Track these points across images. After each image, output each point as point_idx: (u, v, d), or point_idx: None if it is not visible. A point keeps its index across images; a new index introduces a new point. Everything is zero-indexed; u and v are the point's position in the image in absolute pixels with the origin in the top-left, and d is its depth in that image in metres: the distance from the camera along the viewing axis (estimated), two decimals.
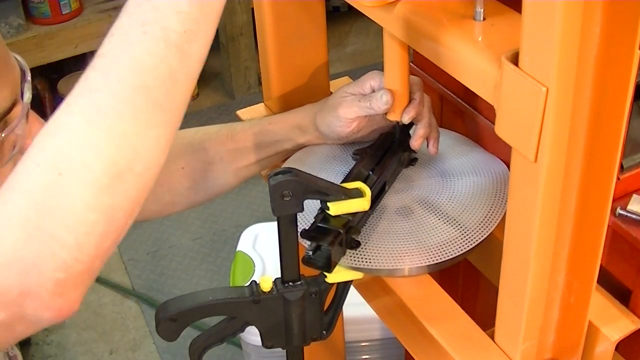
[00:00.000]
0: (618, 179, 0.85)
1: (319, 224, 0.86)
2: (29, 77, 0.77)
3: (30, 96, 0.77)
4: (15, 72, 0.75)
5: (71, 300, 0.65)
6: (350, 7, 0.83)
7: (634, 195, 0.88)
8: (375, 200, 0.93)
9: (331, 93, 1.08)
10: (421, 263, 0.88)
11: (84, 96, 0.63)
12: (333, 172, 1.00)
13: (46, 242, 0.61)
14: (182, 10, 0.63)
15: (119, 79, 0.62)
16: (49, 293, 0.63)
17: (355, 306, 1.08)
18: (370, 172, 0.95)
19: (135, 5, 0.64)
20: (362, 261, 0.88)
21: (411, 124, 0.98)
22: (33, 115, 0.78)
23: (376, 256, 0.88)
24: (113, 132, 0.62)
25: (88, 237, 0.62)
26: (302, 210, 0.82)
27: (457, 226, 0.91)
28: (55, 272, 0.62)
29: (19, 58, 0.77)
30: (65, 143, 0.62)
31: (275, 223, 0.84)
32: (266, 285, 0.88)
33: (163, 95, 0.64)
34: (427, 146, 0.99)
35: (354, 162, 0.99)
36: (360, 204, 0.87)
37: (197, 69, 0.66)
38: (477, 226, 0.90)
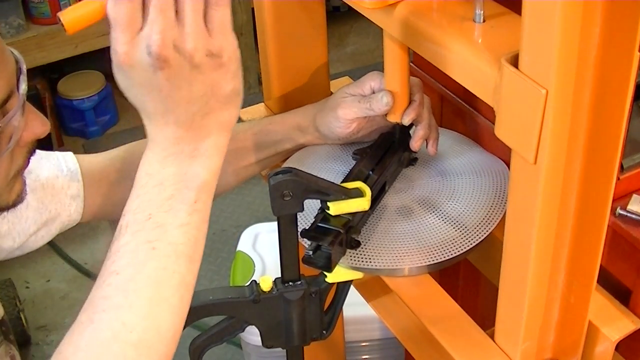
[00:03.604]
0: (618, 179, 0.85)
1: (319, 224, 0.86)
2: (24, 69, 0.77)
3: (26, 88, 0.76)
4: (10, 64, 0.75)
5: None
6: (351, 7, 0.83)
7: (634, 195, 0.88)
8: (376, 200, 0.94)
9: (331, 93, 1.09)
10: (421, 263, 0.88)
11: (108, 313, 0.68)
12: (333, 172, 1.00)
13: None
14: (183, 222, 0.69)
15: (138, 295, 0.68)
16: None
17: (355, 306, 1.08)
18: (371, 172, 0.95)
19: (136, 223, 0.68)
20: (362, 261, 0.88)
21: (411, 124, 0.98)
22: (29, 107, 0.78)
23: (376, 256, 0.88)
24: (141, 343, 0.67)
25: None
26: (302, 210, 0.82)
27: (457, 226, 0.91)
28: None
29: (13, 51, 0.77)
30: (100, 357, 0.67)
31: (275, 223, 0.84)
32: (266, 285, 0.88)
33: (178, 300, 0.70)
34: (427, 146, 1.00)
35: (354, 162, 0.99)
36: (361, 204, 0.87)
37: (199, 263, 0.73)
38: (477, 226, 0.90)
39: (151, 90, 0.66)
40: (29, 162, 0.81)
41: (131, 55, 0.65)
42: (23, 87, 0.76)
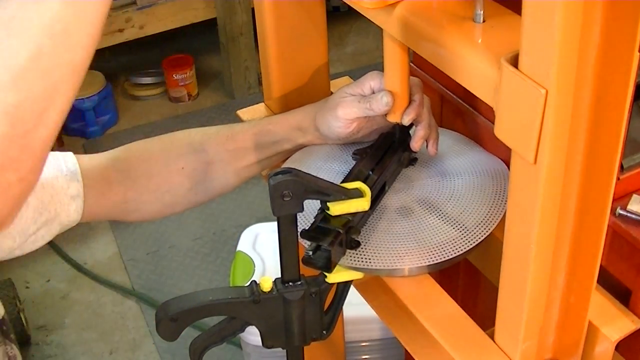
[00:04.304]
0: (618, 179, 0.85)
1: (319, 224, 0.86)
2: None
3: None
4: None
5: None
6: (351, 7, 0.83)
7: (634, 195, 0.88)
8: (375, 200, 0.94)
9: (331, 93, 1.09)
10: (421, 263, 0.88)
11: None
12: (333, 172, 1.00)
13: None
14: None
15: None
16: None
17: (355, 306, 1.08)
18: (370, 172, 0.95)
19: None
20: (362, 261, 0.88)
21: (411, 124, 0.98)
22: None
23: (376, 256, 0.88)
24: (12, 22, 0.57)
25: None
26: (302, 210, 0.82)
27: (457, 226, 0.91)
28: None
29: None
30: None
31: (275, 223, 0.84)
32: (266, 285, 0.88)
33: None
34: (427, 146, 1.00)
35: (354, 162, 0.99)
36: (360, 204, 0.87)
37: None
38: (477, 226, 0.90)
39: None
40: None
41: None
42: None
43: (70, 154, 1.02)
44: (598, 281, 0.78)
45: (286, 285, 0.88)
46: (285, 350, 0.95)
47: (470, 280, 1.22)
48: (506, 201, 0.83)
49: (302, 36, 1.09)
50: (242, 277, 1.77)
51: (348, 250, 0.88)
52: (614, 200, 0.77)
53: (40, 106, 0.60)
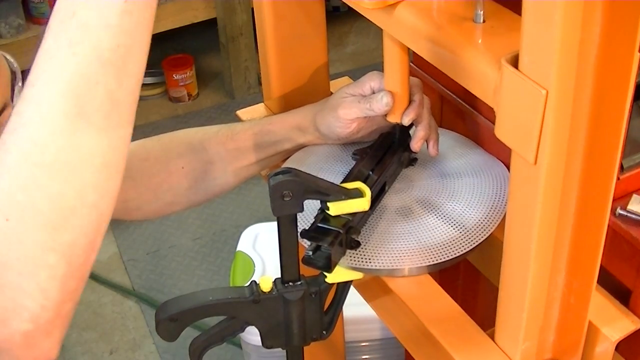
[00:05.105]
0: (618, 179, 0.85)
1: (318, 224, 0.86)
2: (19, 77, 0.76)
3: None
4: (5, 75, 0.74)
5: (46, 349, 0.61)
6: (351, 7, 0.83)
7: (634, 195, 0.88)
8: (375, 200, 0.94)
9: (331, 93, 1.09)
10: (421, 263, 0.88)
11: (17, 132, 0.58)
12: (333, 172, 1.00)
13: (7, 294, 0.57)
14: (111, 23, 0.59)
15: (51, 107, 0.58)
16: (20, 346, 0.59)
17: (355, 306, 1.08)
18: (370, 172, 0.95)
19: (59, 23, 0.59)
20: (362, 261, 0.88)
21: (411, 124, 0.98)
22: None
23: (376, 256, 0.88)
24: (55, 166, 0.58)
25: (50, 282, 0.58)
26: (302, 210, 0.82)
27: (457, 226, 0.91)
28: (23, 323, 0.58)
29: (9, 59, 0.76)
30: (6, 185, 0.57)
31: (275, 223, 0.84)
32: (266, 286, 0.88)
33: (103, 118, 0.60)
34: (427, 147, 0.99)
35: (354, 162, 0.99)
36: (360, 204, 0.87)
37: (137, 84, 0.63)
38: (477, 226, 0.90)
39: None
40: None
41: None
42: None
43: None
44: (598, 281, 0.77)
45: (286, 285, 0.88)
46: (285, 350, 0.95)
47: (470, 280, 1.22)
48: (506, 202, 0.83)
49: (301, 36, 1.09)
50: (242, 277, 1.77)
51: (348, 251, 0.88)
52: (614, 200, 0.77)
53: (91, 237, 0.61)
